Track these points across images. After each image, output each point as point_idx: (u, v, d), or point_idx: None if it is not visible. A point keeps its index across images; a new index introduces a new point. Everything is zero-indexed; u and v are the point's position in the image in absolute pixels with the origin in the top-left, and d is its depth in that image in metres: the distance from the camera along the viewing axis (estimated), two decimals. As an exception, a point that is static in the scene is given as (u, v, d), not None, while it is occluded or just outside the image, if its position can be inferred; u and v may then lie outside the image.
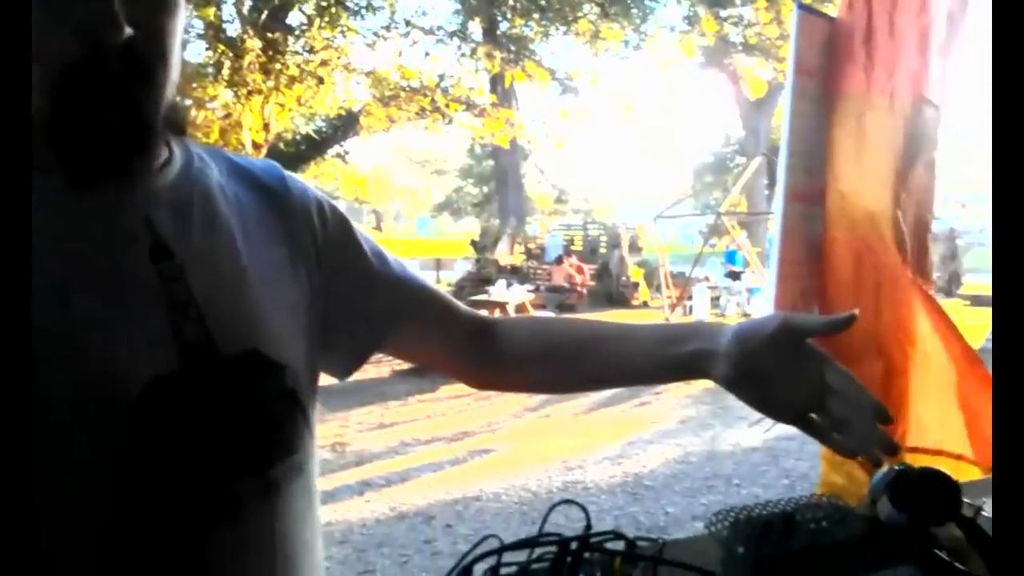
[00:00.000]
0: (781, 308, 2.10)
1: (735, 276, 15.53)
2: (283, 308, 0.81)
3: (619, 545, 0.71)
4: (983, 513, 0.96)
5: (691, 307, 14.68)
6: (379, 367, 9.86)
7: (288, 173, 0.90)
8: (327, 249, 0.89)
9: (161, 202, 0.74)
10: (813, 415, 0.87)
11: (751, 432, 6.55)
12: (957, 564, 0.87)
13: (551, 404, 7.93)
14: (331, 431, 6.87)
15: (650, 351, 0.94)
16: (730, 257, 16.29)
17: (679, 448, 6.44)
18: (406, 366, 9.83)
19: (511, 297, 12.37)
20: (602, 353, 0.98)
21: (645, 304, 16.93)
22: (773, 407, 0.88)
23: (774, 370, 0.85)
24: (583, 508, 0.74)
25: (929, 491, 0.94)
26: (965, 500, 0.97)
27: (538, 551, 0.71)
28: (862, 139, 2.21)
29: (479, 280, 15.52)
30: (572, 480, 5.55)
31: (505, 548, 0.66)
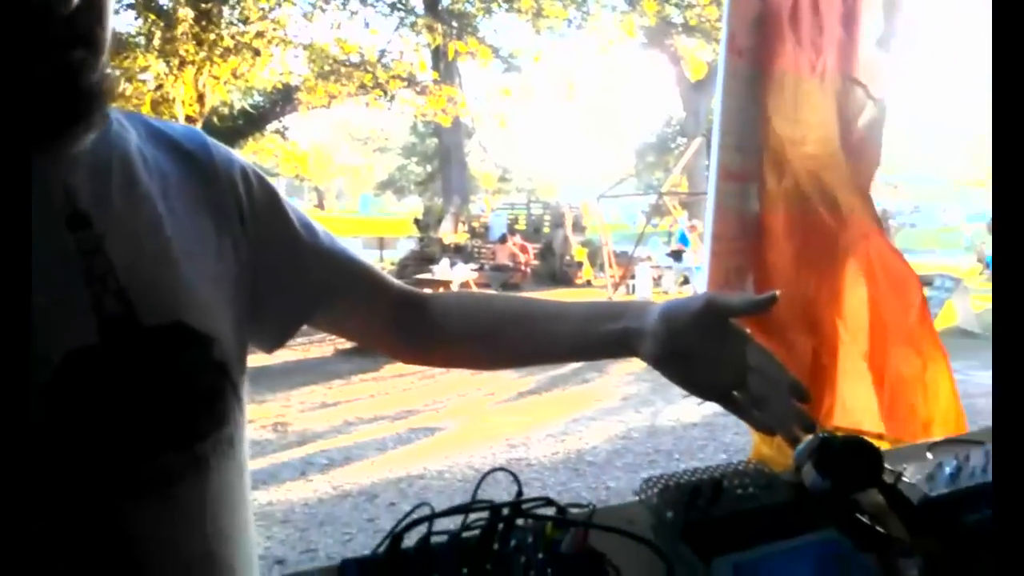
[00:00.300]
0: (714, 285, 2.14)
1: (677, 256, 15.75)
2: (208, 279, 0.79)
3: (550, 511, 0.72)
4: (903, 479, 1.00)
5: (634, 286, 14.85)
6: (321, 346, 9.77)
7: (211, 139, 0.87)
8: (253, 219, 0.86)
9: (79, 168, 0.71)
10: (735, 393, 0.90)
11: (691, 408, 6.68)
12: (878, 527, 0.91)
13: (495, 382, 7.96)
14: (273, 411, 6.79)
15: (581, 329, 0.96)
16: (682, 237, 16.49)
17: (621, 424, 6.53)
18: (349, 345, 9.76)
19: (455, 276, 12.35)
20: (534, 330, 0.99)
21: (589, 283, 17.07)
22: (697, 385, 0.90)
23: (698, 349, 0.87)
24: (515, 476, 0.75)
25: (851, 458, 0.98)
26: (886, 466, 1.00)
27: (470, 518, 0.71)
28: (794, 118, 2.25)
29: (422, 259, 15.44)
30: (516, 457, 5.59)
31: (436, 515, 0.66)
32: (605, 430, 6.37)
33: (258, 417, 6.44)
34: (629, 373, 8.37)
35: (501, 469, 0.78)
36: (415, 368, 8.81)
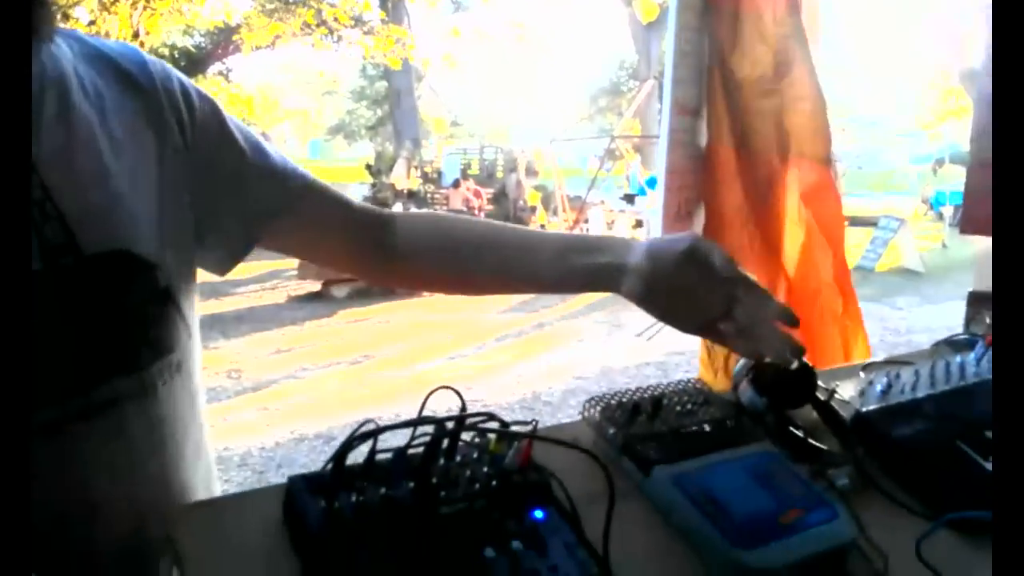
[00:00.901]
0: (668, 219, 2.17)
1: (630, 199, 15.82)
2: (151, 202, 0.78)
3: (494, 427, 0.74)
4: (836, 395, 1.04)
5: (588, 230, 14.90)
6: (274, 293, 9.68)
7: (149, 56, 0.84)
8: (196, 138, 0.84)
9: None
10: (720, 325, 0.92)
11: (644, 348, 6.79)
12: (811, 440, 0.95)
13: (453, 327, 7.99)
14: (227, 358, 6.74)
15: (554, 259, 0.95)
16: (651, 182, 16.51)
17: (576, 365, 6.63)
18: (302, 291, 9.69)
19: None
20: (504, 255, 0.98)
21: (543, 228, 17.08)
22: (681, 320, 0.92)
23: (684, 285, 0.89)
24: (458, 393, 0.77)
25: (786, 376, 1.01)
26: (820, 384, 1.04)
27: (415, 437, 0.73)
28: (745, 53, 2.25)
29: (376, 204, 15.25)
30: (472, 399, 5.65)
31: (381, 430, 0.67)
32: (560, 370, 6.46)
33: (211, 364, 6.39)
34: (584, 315, 8.46)
35: (446, 387, 0.79)
36: (370, 314, 8.79)
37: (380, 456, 0.71)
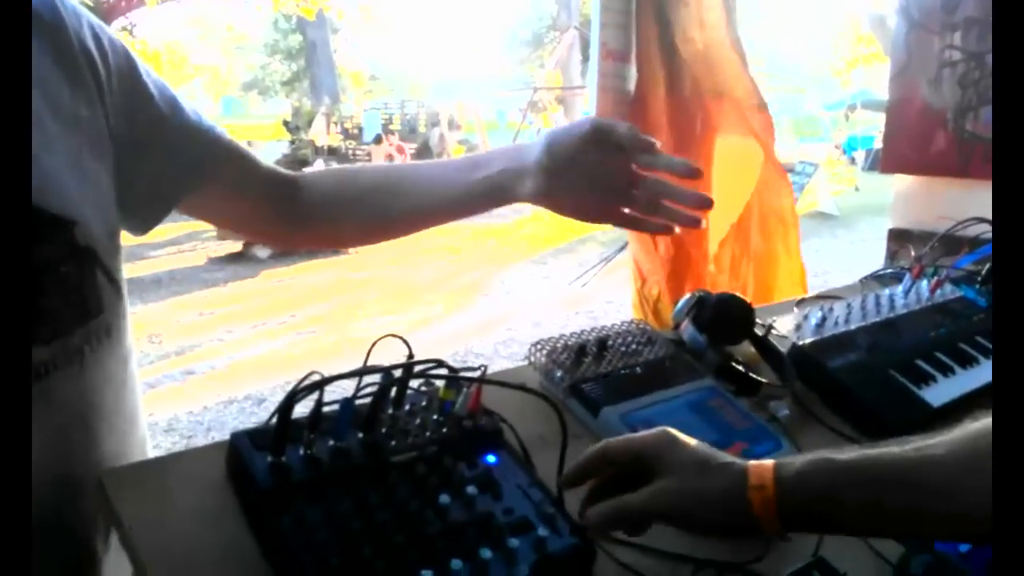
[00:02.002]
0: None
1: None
2: (66, 157, 0.72)
3: (443, 373, 0.73)
4: (773, 330, 1.06)
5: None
6: (193, 255, 9.40)
7: None
8: (112, 86, 0.77)
9: None
10: (626, 210, 0.90)
11: (575, 297, 6.85)
12: (752, 374, 0.96)
13: (378, 283, 7.91)
14: (147, 322, 6.52)
15: (456, 180, 0.93)
16: None
17: (506, 317, 6.65)
18: (222, 252, 9.43)
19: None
20: (409, 191, 0.95)
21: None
22: (587, 210, 0.91)
23: (587, 164, 0.87)
24: (405, 341, 0.75)
25: (726, 313, 1.02)
26: (757, 321, 1.06)
27: (362, 387, 0.71)
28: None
29: (295, 162, 14.80)
30: (404, 354, 5.62)
31: (327, 380, 0.65)
32: (491, 324, 6.47)
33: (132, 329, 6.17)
34: (513, 267, 8.48)
35: (392, 335, 0.77)
36: (294, 273, 8.63)
37: (325, 409, 0.68)
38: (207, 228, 9.64)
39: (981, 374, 1.08)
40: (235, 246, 9.40)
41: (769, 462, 0.62)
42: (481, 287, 7.90)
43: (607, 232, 8.46)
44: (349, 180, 1.00)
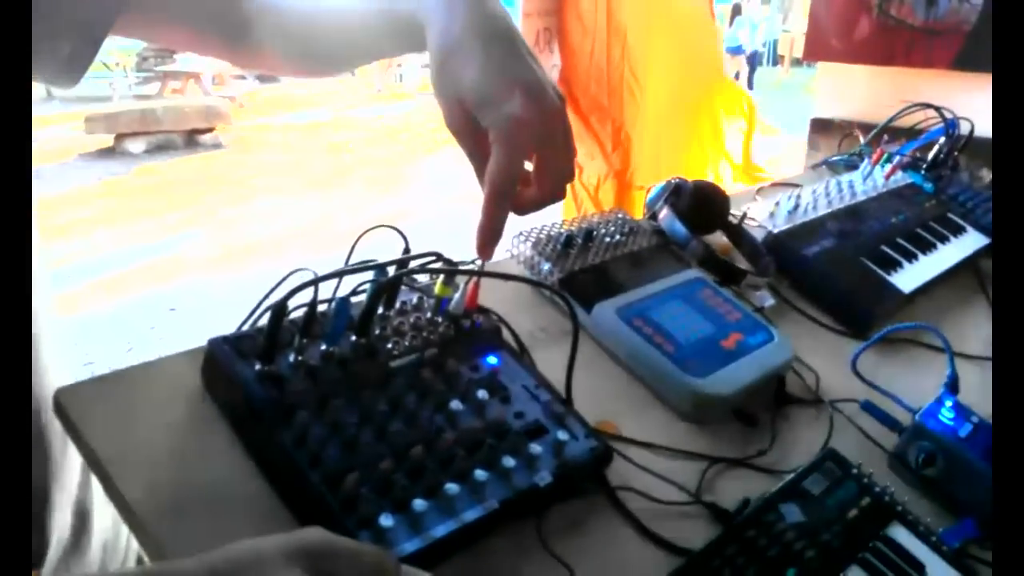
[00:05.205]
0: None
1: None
2: None
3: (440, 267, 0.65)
4: (747, 220, 1.03)
5: (401, 76, 14.42)
6: (60, 151, 8.70)
7: None
8: None
9: None
10: None
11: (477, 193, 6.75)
12: (736, 264, 0.93)
13: (270, 170, 7.58)
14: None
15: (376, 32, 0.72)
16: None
17: (412, 211, 6.52)
18: (92, 148, 8.80)
19: (204, 66, 11.23)
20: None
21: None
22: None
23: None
24: (400, 233, 0.66)
25: (704, 201, 0.98)
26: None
27: (338, 287, 0.63)
28: None
29: (165, 49, 13.85)
30: (317, 258, 5.44)
31: (322, 278, 0.57)
32: (404, 215, 6.34)
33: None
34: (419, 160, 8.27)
35: (387, 226, 0.68)
36: (166, 169, 8.15)
37: (296, 312, 0.60)
38: (74, 119, 8.94)
39: (941, 259, 1.09)
40: (106, 140, 8.79)
41: None
42: (378, 181, 7.69)
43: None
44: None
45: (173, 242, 5.82)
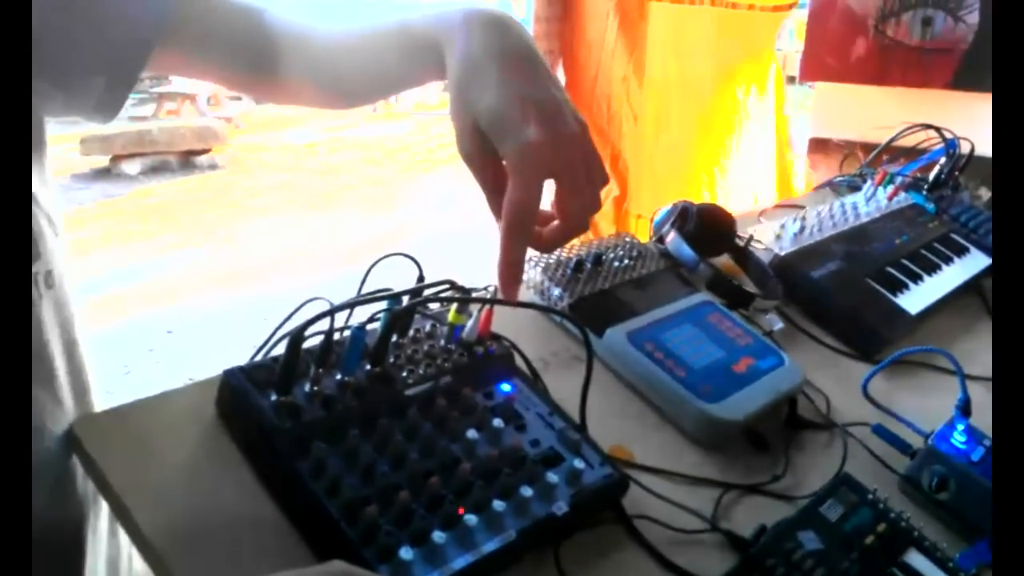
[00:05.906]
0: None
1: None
2: None
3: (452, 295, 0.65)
4: (753, 242, 1.03)
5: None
6: (59, 174, 8.69)
7: None
8: None
9: None
10: None
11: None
12: (744, 287, 0.93)
13: (268, 192, 7.59)
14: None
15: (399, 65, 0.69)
16: None
17: (406, 232, 6.52)
18: (87, 168, 8.80)
19: (200, 87, 11.25)
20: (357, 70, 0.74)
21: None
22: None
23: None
24: (415, 261, 0.67)
25: (711, 224, 0.99)
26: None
27: (350, 316, 0.62)
28: None
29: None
30: (319, 281, 5.44)
31: (338, 308, 0.57)
32: (398, 236, 6.34)
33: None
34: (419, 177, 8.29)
35: (401, 254, 0.68)
36: (169, 189, 8.16)
37: (312, 341, 0.60)
38: (69, 140, 8.95)
39: (945, 280, 1.10)
40: (101, 161, 8.79)
41: None
42: (374, 201, 7.70)
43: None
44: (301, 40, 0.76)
45: (170, 263, 5.81)
